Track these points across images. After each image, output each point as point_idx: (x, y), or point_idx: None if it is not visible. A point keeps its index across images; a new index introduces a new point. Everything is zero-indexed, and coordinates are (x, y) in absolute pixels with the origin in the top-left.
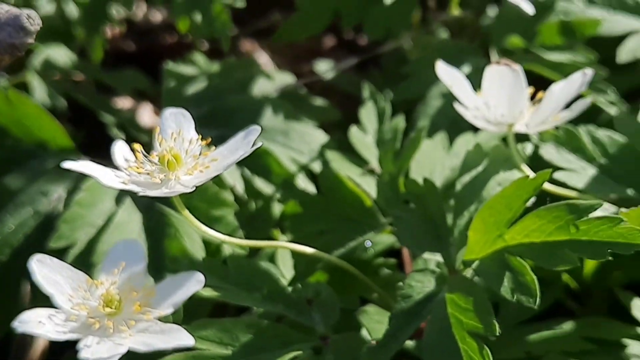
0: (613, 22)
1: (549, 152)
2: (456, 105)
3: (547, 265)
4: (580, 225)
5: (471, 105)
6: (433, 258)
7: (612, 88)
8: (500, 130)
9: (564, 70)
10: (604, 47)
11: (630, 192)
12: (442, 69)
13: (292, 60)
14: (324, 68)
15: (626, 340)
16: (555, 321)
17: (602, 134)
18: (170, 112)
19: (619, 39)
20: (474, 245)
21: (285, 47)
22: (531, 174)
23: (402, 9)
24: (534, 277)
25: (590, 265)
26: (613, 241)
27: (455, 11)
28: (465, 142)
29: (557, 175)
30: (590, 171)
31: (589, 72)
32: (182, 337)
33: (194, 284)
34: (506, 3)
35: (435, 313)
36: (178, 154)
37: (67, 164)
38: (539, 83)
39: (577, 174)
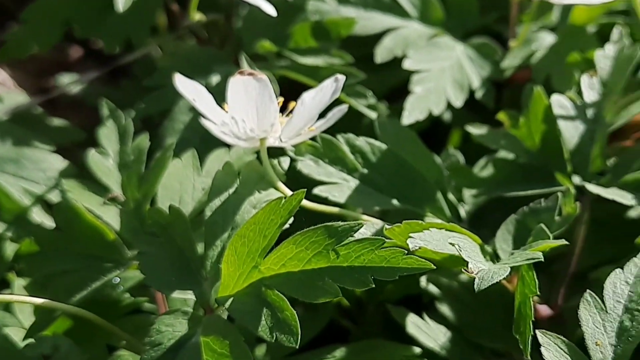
0: (368, 20)
1: (308, 165)
2: (202, 121)
3: (307, 298)
4: (340, 250)
5: (218, 120)
6: (188, 297)
7: (370, 92)
8: (253, 145)
9: (320, 75)
10: (361, 46)
11: (395, 202)
12: (180, 82)
13: (35, 75)
14: (68, 81)
15: None
16: (327, 349)
17: (362, 141)
18: None
19: (376, 38)
20: (228, 279)
21: (27, 61)
22: (288, 193)
23: (140, 16)
24: (294, 312)
25: None
26: (376, 266)
27: (195, 15)
28: (218, 159)
29: (318, 190)
30: (352, 183)
31: (340, 77)
32: None
33: None
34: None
35: None
36: None
37: None
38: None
39: (339, 187)
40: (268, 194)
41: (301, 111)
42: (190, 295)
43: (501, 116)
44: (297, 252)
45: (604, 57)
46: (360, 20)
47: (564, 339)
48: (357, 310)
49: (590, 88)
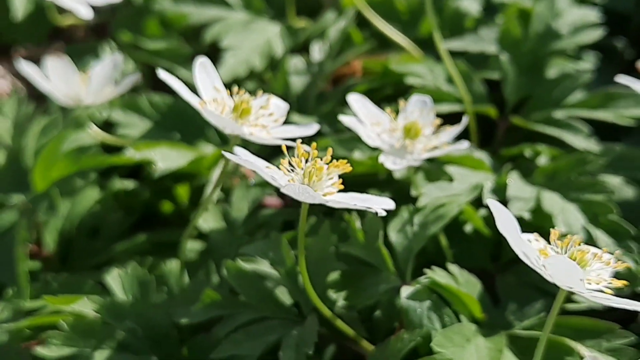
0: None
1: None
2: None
3: None
4: None
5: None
6: None
7: None
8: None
9: (164, 55)
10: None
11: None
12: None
13: None
14: None
15: None
16: None
17: (158, 98)
18: None
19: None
20: None
21: None
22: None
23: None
24: None
25: None
26: None
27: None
28: None
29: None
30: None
31: (118, 57)
32: None
33: None
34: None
35: None
36: None
37: None
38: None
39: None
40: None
41: (95, 78)
42: None
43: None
44: None
45: (335, 30)
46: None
47: None
48: None
49: (319, 52)
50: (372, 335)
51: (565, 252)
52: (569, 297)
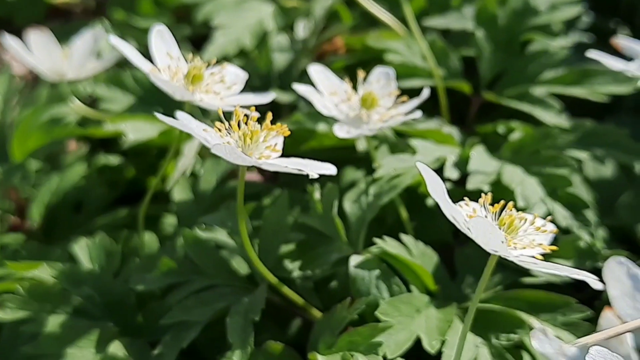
0: None
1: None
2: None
3: None
4: None
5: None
6: None
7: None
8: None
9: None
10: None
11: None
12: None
13: None
14: None
15: None
16: None
17: (142, 73)
18: None
19: None
20: None
21: None
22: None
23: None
24: None
25: None
26: None
27: None
28: None
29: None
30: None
31: (99, 30)
32: None
33: None
34: None
35: None
36: None
37: None
38: None
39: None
40: None
41: (76, 51)
42: None
43: (254, 54)
44: None
45: (320, 8)
46: None
47: None
48: None
49: (303, 29)
50: (328, 306)
51: (497, 217)
52: (527, 272)
